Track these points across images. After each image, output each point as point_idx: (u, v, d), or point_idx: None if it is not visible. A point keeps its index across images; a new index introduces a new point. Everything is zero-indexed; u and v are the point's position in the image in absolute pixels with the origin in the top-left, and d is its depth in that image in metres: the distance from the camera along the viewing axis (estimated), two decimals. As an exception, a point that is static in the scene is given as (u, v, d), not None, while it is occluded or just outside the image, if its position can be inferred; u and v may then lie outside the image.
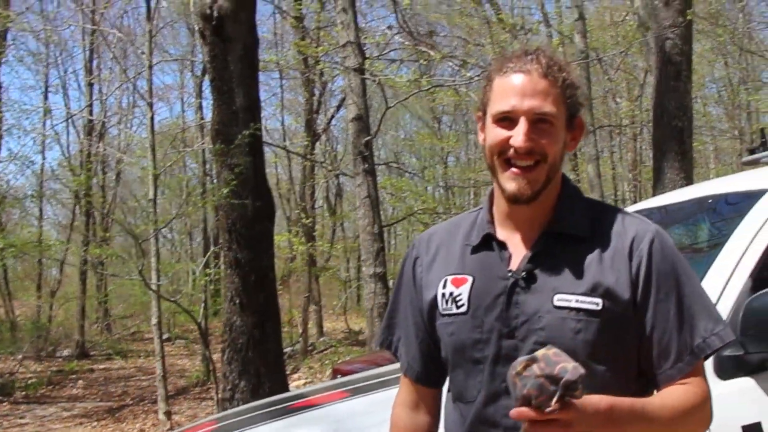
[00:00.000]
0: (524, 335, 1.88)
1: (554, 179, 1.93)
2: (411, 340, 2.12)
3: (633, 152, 22.27)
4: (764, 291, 2.75)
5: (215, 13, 8.30)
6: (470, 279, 1.96)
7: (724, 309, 2.82)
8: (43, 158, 30.75)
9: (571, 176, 17.80)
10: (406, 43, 12.51)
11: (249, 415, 3.56)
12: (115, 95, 24.99)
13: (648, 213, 3.98)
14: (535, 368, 1.60)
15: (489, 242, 1.98)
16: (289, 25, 18.13)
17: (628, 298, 1.86)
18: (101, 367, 21.76)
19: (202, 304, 13.12)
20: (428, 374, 2.12)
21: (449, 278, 1.99)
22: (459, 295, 1.96)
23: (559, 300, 1.86)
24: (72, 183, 17.56)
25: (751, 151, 4.57)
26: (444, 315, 1.98)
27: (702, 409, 1.89)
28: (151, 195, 12.64)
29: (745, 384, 2.77)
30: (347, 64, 11.85)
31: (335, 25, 12.64)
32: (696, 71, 19.97)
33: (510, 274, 1.91)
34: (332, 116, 23.38)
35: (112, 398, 17.12)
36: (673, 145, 8.93)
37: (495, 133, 1.88)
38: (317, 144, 22.39)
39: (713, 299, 2.83)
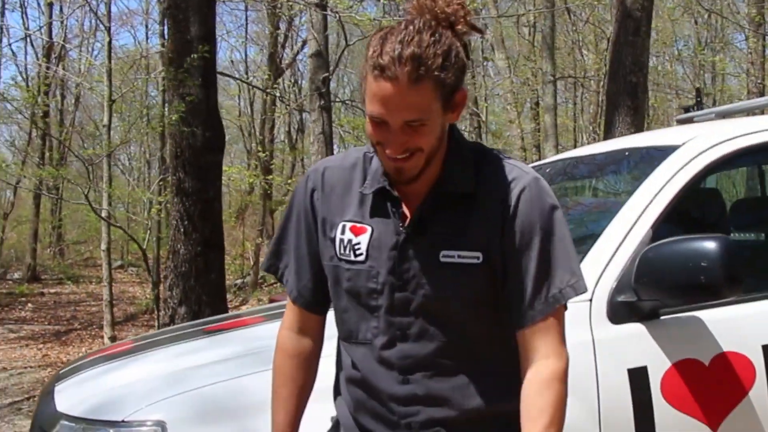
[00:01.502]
0: (414, 289, 1.97)
1: (437, 154, 1.95)
2: (304, 269, 2.16)
3: (596, 105, 22.38)
4: (659, 242, 2.85)
5: (172, -61, 8.18)
6: (369, 229, 2.02)
7: (624, 257, 2.92)
8: (-1, 77, 30.16)
9: (530, 125, 17.98)
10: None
11: (165, 336, 3.63)
12: (76, 17, 24.52)
13: (571, 162, 4.09)
14: None
15: (384, 194, 2.02)
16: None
17: (500, 247, 1.95)
18: (52, 291, 21.73)
19: (148, 231, 13.11)
20: (318, 303, 2.19)
21: (348, 224, 2.05)
22: (357, 244, 2.02)
23: (444, 256, 1.95)
24: (25, 101, 17.22)
25: (686, 110, 4.66)
26: (342, 260, 2.04)
27: (565, 385, 2.00)
28: (105, 121, 12.52)
29: (636, 329, 2.87)
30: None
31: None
32: (665, 29, 20.07)
33: (402, 230, 1.98)
34: (297, 51, 23.19)
35: (61, 322, 17.13)
36: (626, 100, 8.99)
37: (369, 129, 1.90)
38: (282, 78, 22.22)
39: (614, 247, 2.96)
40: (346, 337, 2.12)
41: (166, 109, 9.49)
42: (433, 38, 1.81)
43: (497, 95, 20.70)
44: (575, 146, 23.68)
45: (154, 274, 11.89)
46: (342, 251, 2.04)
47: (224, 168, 10.62)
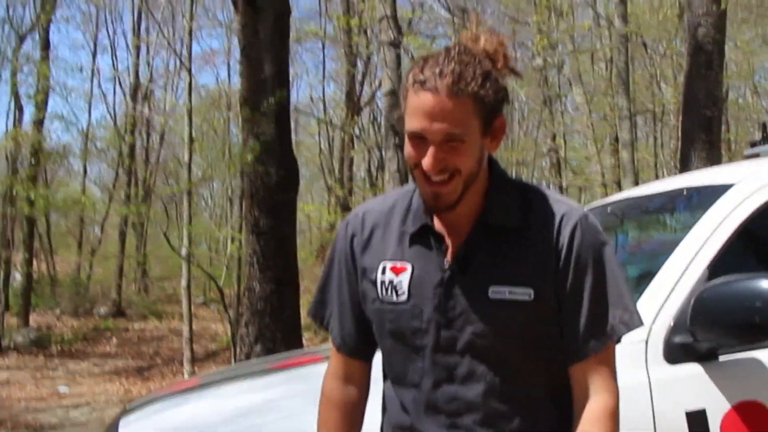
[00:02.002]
0: (461, 326, 1.94)
1: (476, 182, 1.94)
2: (346, 316, 2.15)
3: (675, 139, 22.01)
4: (716, 281, 2.81)
5: (247, -18, 8.41)
6: (410, 267, 2.00)
7: (679, 297, 2.89)
8: (89, 117, 31.31)
9: (610, 160, 17.74)
10: (444, 16, 12.50)
11: (231, 373, 3.71)
12: (162, 58, 25.30)
13: (630, 202, 4.05)
14: None
15: (426, 232, 2.01)
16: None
17: (553, 284, 1.92)
18: (136, 326, 22.23)
19: (225, 269, 13.34)
20: (362, 350, 2.17)
21: (388, 265, 2.02)
22: (399, 282, 1.99)
23: (493, 292, 1.91)
24: (111, 142, 17.77)
25: (752, 144, 4.57)
26: (384, 302, 2.02)
27: (617, 422, 1.97)
28: (186, 159, 12.85)
29: (693, 370, 2.82)
30: (383, 38, 11.92)
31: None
32: (744, 60, 19.68)
33: (447, 266, 1.96)
34: (375, 89, 23.41)
35: (143, 358, 17.50)
36: (701, 134, 8.84)
37: (409, 149, 1.90)
38: (360, 116, 22.45)
39: (670, 288, 2.93)
40: (394, 380, 2.09)
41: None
42: (473, 60, 1.86)
43: (576, 131, 20.54)
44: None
45: (233, 311, 12.08)
46: (384, 293, 2.02)
47: (302, 206, 10.77)
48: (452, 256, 1.97)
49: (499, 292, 1.91)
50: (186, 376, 12.68)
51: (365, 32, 15.76)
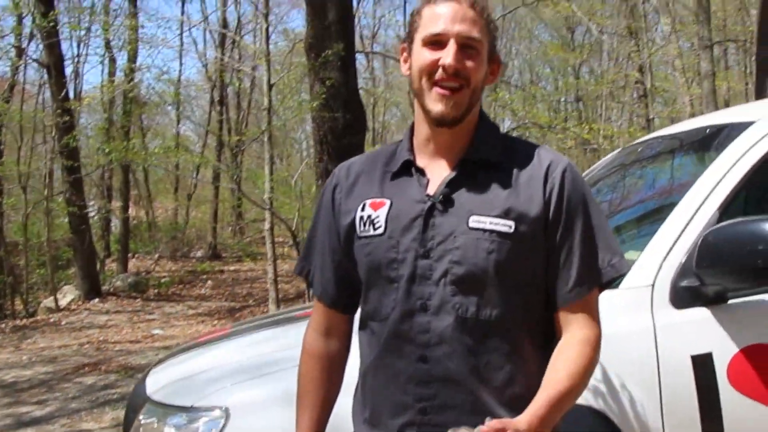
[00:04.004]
0: (439, 255, 1.93)
1: (474, 107, 2.00)
2: (327, 265, 2.16)
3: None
4: (721, 224, 2.76)
5: (309, -70, 8.41)
6: (388, 202, 2.02)
7: (688, 241, 2.85)
8: (180, 66, 31.89)
9: (698, 91, 17.15)
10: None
11: (259, 322, 3.82)
12: (250, 2, 25.40)
13: (656, 142, 3.98)
14: None
15: (408, 168, 2.04)
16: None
17: (539, 222, 1.93)
18: (231, 268, 22.79)
19: (297, 213, 13.53)
20: (341, 299, 2.17)
21: (368, 202, 2.04)
22: (377, 217, 2.01)
23: (474, 221, 1.92)
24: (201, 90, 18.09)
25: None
26: (361, 237, 2.03)
27: (595, 357, 1.96)
28: (265, 104, 12.99)
29: (700, 314, 2.80)
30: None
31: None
32: None
33: (428, 198, 1.97)
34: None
35: (236, 299, 17.93)
36: (778, 67, 8.53)
37: (424, 56, 1.95)
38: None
39: (678, 231, 2.89)
40: (369, 317, 2.06)
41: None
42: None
43: (664, 62, 19.92)
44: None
45: (297, 251, 12.24)
46: (362, 228, 2.03)
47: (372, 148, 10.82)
48: (435, 188, 1.98)
49: (480, 221, 1.92)
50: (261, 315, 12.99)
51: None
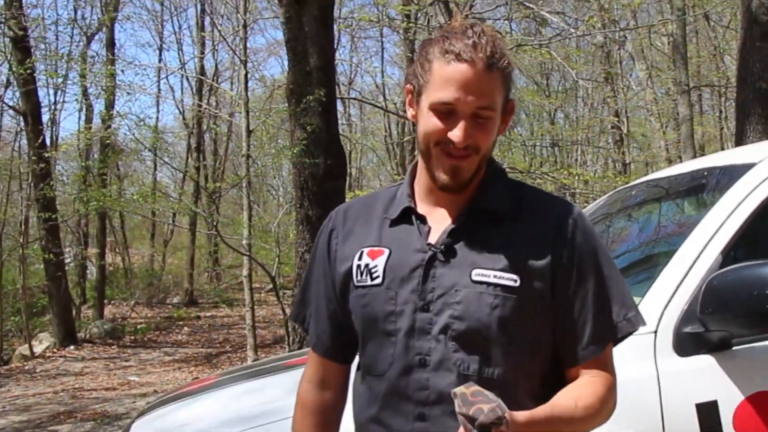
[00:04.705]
0: (439, 309, 1.83)
1: (480, 170, 1.91)
2: (321, 313, 2.07)
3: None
4: (726, 269, 2.71)
5: (290, -25, 8.45)
6: (387, 251, 1.92)
7: (691, 286, 2.80)
8: (158, 112, 31.95)
9: (673, 136, 17.35)
10: None
11: (248, 371, 3.73)
12: (227, 51, 25.50)
13: (654, 184, 3.95)
14: (456, 404, 1.62)
15: (408, 216, 1.94)
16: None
17: (547, 276, 1.84)
18: (208, 314, 22.61)
19: (277, 259, 13.46)
20: (336, 349, 2.08)
21: (365, 250, 1.95)
22: (375, 267, 1.91)
23: (477, 274, 1.82)
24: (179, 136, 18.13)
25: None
26: (358, 287, 1.93)
27: (609, 401, 1.87)
28: (244, 150, 12.98)
29: (705, 361, 2.74)
30: (433, 23, 11.86)
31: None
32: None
33: (429, 247, 1.88)
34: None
35: (213, 345, 17.79)
36: (757, 108, 8.56)
37: (433, 123, 1.83)
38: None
39: (681, 275, 2.84)
40: (364, 370, 1.98)
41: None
42: (499, 39, 1.86)
43: (640, 107, 20.13)
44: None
45: (276, 298, 12.20)
46: (359, 277, 1.93)
47: (360, 193, 10.80)
48: (436, 237, 1.89)
49: (483, 274, 1.82)
50: (249, 362, 12.86)
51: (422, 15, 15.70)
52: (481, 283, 1.82)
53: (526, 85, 29.23)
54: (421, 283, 1.86)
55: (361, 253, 1.95)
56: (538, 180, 13.81)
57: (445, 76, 1.81)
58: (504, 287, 1.81)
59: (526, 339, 1.85)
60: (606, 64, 18.15)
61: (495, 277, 1.82)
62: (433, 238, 1.89)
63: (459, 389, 1.63)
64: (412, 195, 1.97)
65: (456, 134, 1.80)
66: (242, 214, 13.47)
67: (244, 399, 3.13)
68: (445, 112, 1.82)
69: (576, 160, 24.72)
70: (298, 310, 2.15)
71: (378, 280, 1.90)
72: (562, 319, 1.87)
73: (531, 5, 13.00)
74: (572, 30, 12.74)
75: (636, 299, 2.85)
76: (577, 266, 1.86)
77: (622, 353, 2.69)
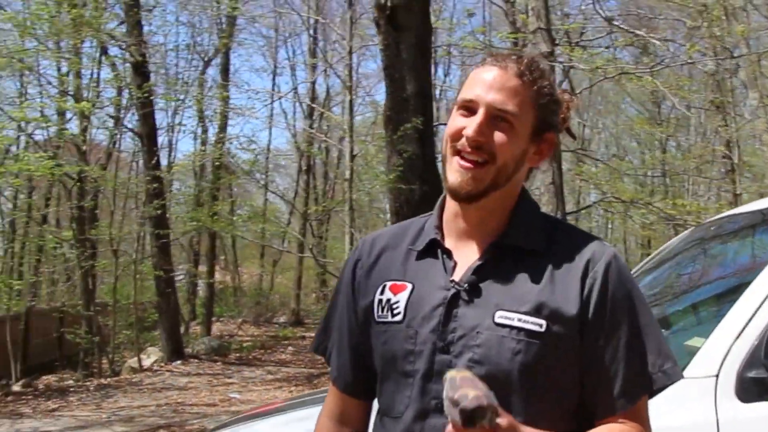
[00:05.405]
0: (459, 351, 1.74)
1: (505, 187, 1.80)
2: (343, 346, 1.97)
3: None
4: (792, 314, 2.63)
5: (388, 3, 8.57)
6: (410, 286, 1.83)
7: (756, 329, 2.73)
8: (270, 134, 32.73)
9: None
10: (601, 26, 12.22)
11: (311, 398, 3.78)
12: (339, 74, 25.95)
13: (734, 220, 3.85)
14: (445, 388, 1.58)
15: (434, 249, 1.85)
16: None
17: (575, 322, 1.72)
18: (312, 335, 22.83)
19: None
20: (357, 385, 1.97)
21: (388, 284, 1.86)
22: (396, 302, 1.83)
23: (501, 317, 1.72)
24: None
25: None
26: (379, 323, 1.85)
27: None
28: (347, 175, 13.18)
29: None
30: (539, 49, 11.78)
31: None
32: None
33: (452, 285, 1.78)
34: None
35: (316, 366, 17.92)
36: None
37: (454, 121, 1.79)
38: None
39: (746, 318, 2.76)
40: (382, 412, 1.89)
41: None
42: (549, 72, 1.84)
43: (753, 136, 19.47)
44: None
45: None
46: (379, 312, 1.85)
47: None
48: (461, 274, 1.79)
49: (507, 317, 1.72)
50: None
51: (524, 45, 15.61)
52: (504, 326, 1.72)
53: (637, 113, 28.72)
54: (442, 323, 1.76)
55: (384, 287, 1.87)
56: (642, 210, 13.55)
57: (475, 77, 1.80)
58: (528, 332, 1.71)
59: (549, 387, 1.73)
60: (717, 93, 17.65)
61: (519, 320, 1.72)
62: (458, 274, 1.80)
63: (450, 373, 1.59)
64: (440, 227, 1.88)
65: (468, 130, 1.75)
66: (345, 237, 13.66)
67: (292, 426, 3.18)
68: (467, 110, 1.78)
69: (687, 190, 24.01)
70: (320, 341, 2.05)
71: (399, 317, 1.82)
72: (592, 368, 1.75)
73: (640, 32, 12.81)
74: (676, 56, 12.43)
75: (700, 340, 2.81)
76: (609, 312, 1.73)
77: (681, 397, 2.65)
